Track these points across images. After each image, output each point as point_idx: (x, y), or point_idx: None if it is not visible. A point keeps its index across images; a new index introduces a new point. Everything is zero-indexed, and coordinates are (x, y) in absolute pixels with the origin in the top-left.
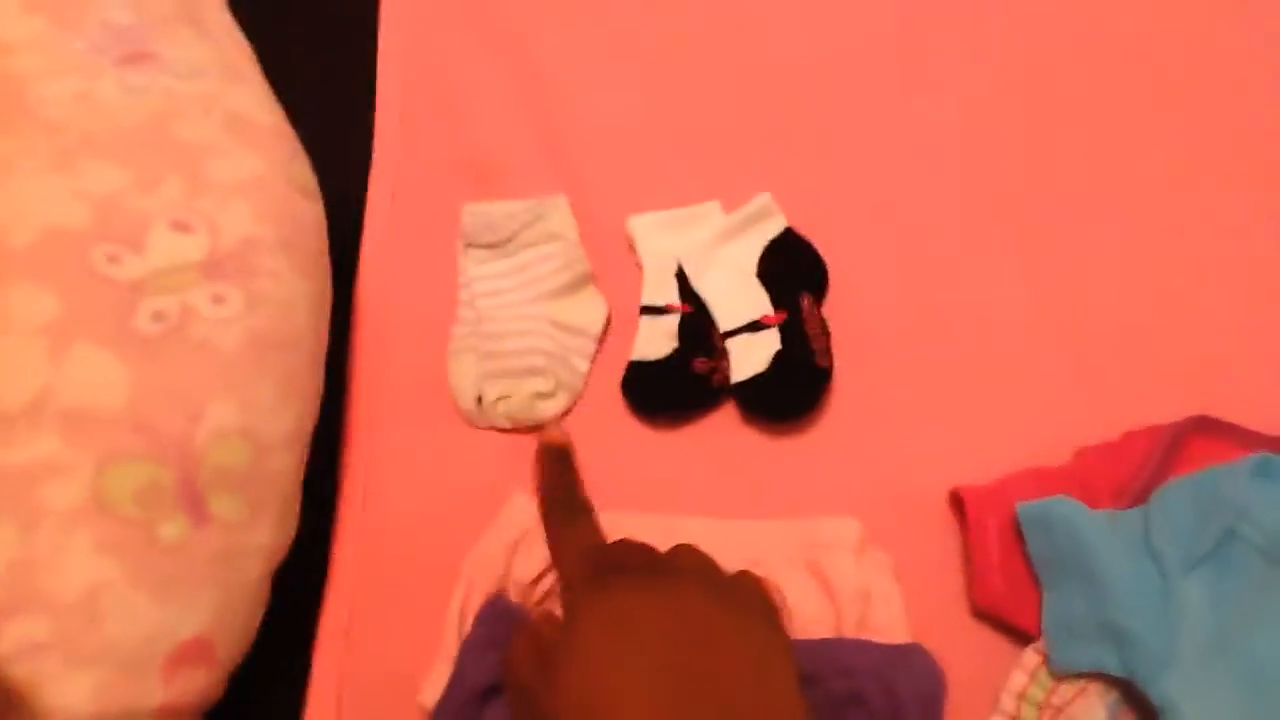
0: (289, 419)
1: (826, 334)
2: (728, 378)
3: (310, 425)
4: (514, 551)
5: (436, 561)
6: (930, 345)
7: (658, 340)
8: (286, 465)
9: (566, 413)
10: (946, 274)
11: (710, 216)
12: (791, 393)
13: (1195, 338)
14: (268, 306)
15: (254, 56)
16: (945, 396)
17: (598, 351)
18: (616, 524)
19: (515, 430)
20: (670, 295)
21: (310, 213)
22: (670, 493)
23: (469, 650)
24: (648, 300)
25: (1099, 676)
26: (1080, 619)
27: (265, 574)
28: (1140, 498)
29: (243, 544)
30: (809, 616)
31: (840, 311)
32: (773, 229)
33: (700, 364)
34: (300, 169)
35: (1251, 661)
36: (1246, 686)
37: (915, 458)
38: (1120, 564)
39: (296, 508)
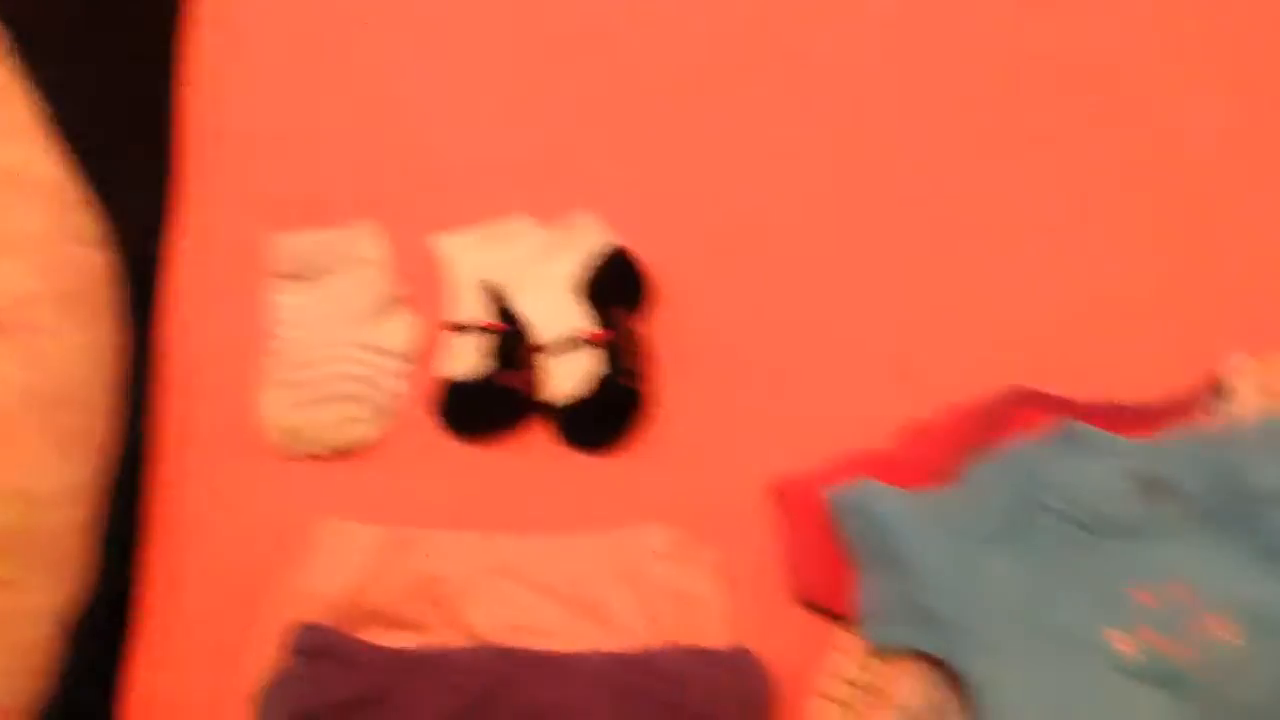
0: (68, 474)
1: (644, 353)
2: (538, 391)
3: (95, 477)
4: (329, 576)
5: (252, 592)
6: (751, 351)
7: (467, 357)
8: (67, 521)
9: (381, 435)
10: (769, 282)
11: (524, 234)
12: (610, 422)
13: (1006, 315)
14: (45, 363)
15: (35, 107)
16: (768, 397)
17: (411, 372)
18: (437, 542)
19: (328, 457)
20: (480, 312)
21: (95, 263)
22: (489, 510)
23: (273, 688)
24: (455, 317)
25: (918, 654)
26: (892, 600)
27: (47, 633)
28: (959, 474)
29: (15, 606)
30: (628, 625)
31: (665, 324)
32: (594, 245)
33: (509, 378)
34: (81, 220)
35: (1062, 629)
36: (1059, 653)
37: (739, 460)
38: (927, 545)
39: (82, 562)
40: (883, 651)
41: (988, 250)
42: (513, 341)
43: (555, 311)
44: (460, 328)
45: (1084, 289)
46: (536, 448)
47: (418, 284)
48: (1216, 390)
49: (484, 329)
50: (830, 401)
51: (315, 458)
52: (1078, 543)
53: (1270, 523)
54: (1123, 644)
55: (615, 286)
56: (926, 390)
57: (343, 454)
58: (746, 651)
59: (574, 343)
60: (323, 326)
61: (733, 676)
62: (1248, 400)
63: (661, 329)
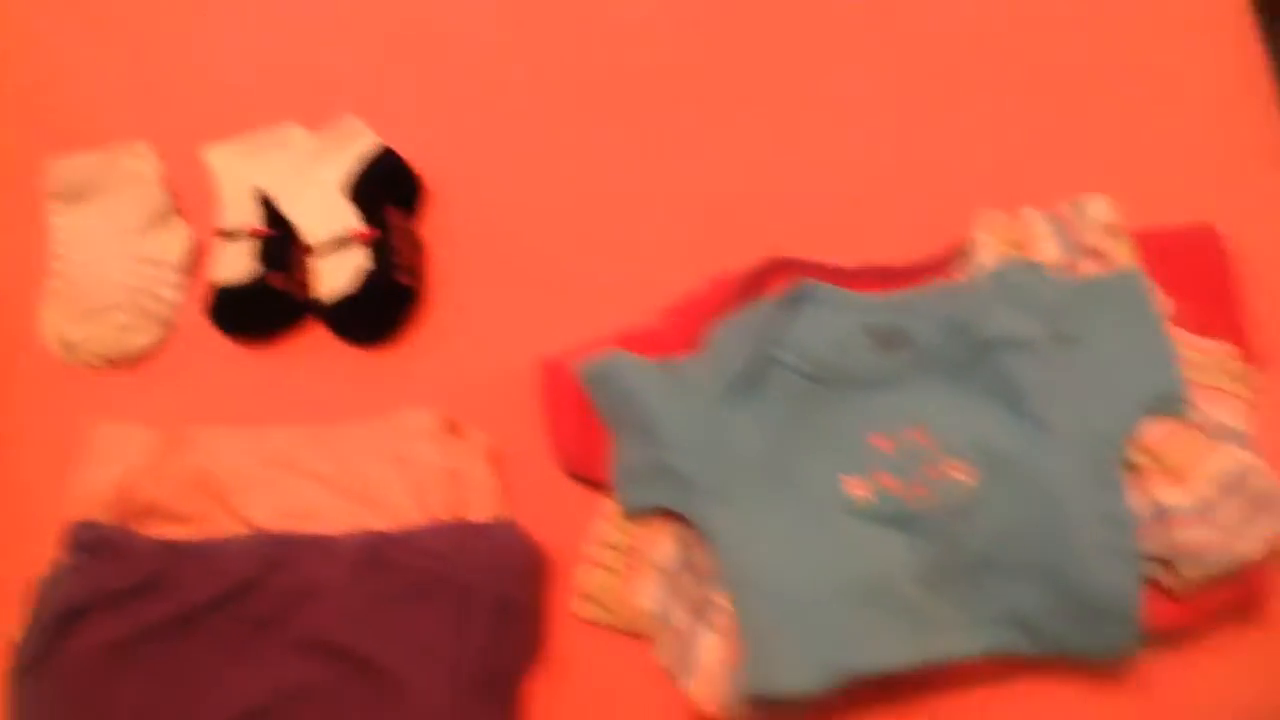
0: None
1: (416, 248)
2: (311, 292)
3: None
4: (105, 476)
5: (39, 500)
6: (522, 241)
7: (236, 262)
8: None
9: (162, 342)
10: (536, 174)
11: (293, 140)
12: (379, 315)
13: (766, 188)
14: None
15: None
16: (539, 285)
17: (188, 281)
18: (212, 438)
19: (109, 368)
20: (249, 218)
21: None
22: (269, 408)
23: (46, 581)
24: (224, 225)
25: (667, 514)
26: (639, 463)
27: None
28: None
29: None
30: (398, 506)
31: (438, 220)
32: (362, 148)
33: (276, 279)
34: None
35: (800, 479)
36: (797, 502)
37: (512, 346)
38: (667, 407)
39: None
40: (635, 514)
41: (749, 124)
42: (282, 245)
43: (324, 214)
44: (229, 234)
45: (846, 159)
46: (313, 346)
47: (192, 196)
48: (968, 247)
49: (252, 234)
50: (600, 286)
51: (97, 369)
52: (814, 396)
53: (1001, 367)
54: (858, 489)
55: (383, 186)
56: (692, 267)
57: (123, 363)
58: (511, 524)
59: (342, 243)
60: (99, 243)
61: (494, 547)
62: (989, 252)
63: (434, 225)
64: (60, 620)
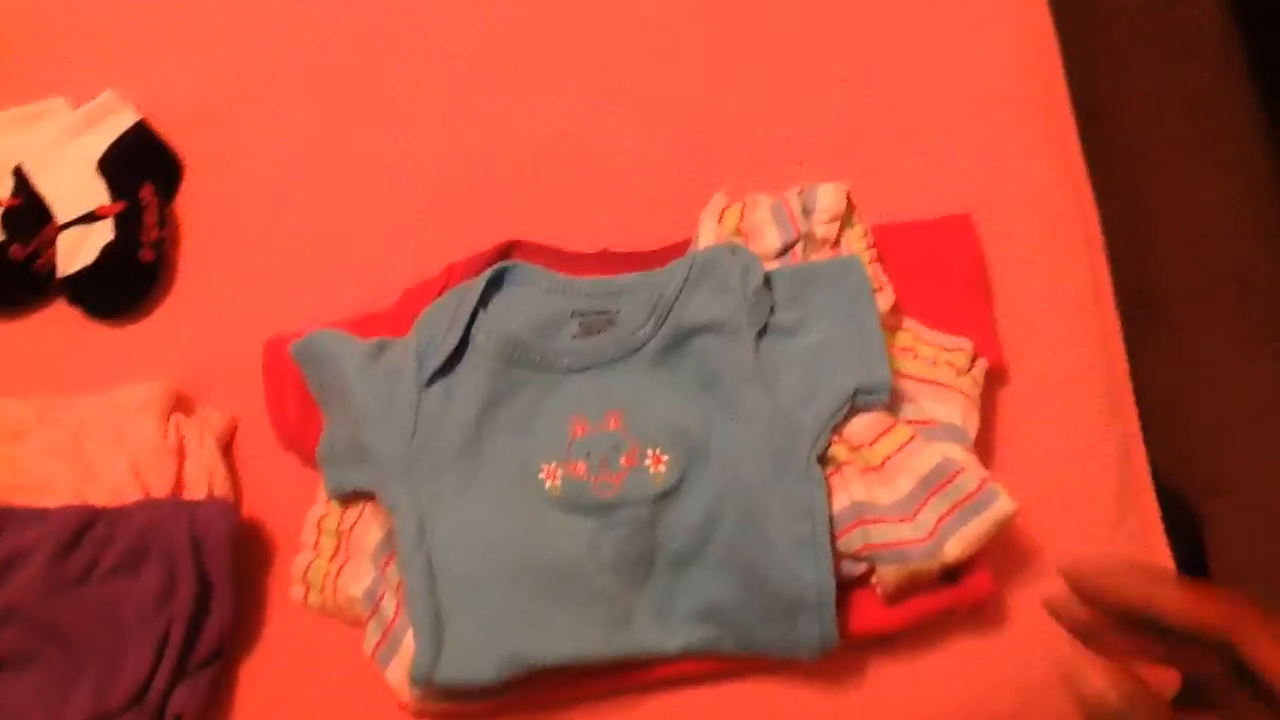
0: None
1: (163, 224)
2: (54, 266)
3: None
4: None
5: None
6: (271, 219)
7: None
8: None
9: None
10: (288, 148)
11: (56, 112)
12: (116, 288)
13: (509, 172)
14: None
15: None
16: (284, 264)
17: None
18: None
19: None
20: (1, 192)
21: None
22: (9, 379)
23: None
24: None
25: (375, 498)
26: (340, 442)
27: None
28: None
29: None
30: (117, 481)
31: (198, 197)
32: (121, 124)
33: (16, 251)
34: None
35: (494, 465)
36: (493, 487)
37: (253, 324)
38: (369, 385)
39: None
40: (337, 496)
41: (495, 108)
42: (29, 217)
43: (76, 189)
44: None
45: (597, 143)
46: (56, 320)
47: None
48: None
49: None
50: (343, 266)
51: None
52: (513, 378)
53: (699, 352)
54: (549, 476)
55: (138, 162)
56: (437, 251)
57: None
58: (222, 502)
59: (90, 217)
60: None
61: (201, 524)
62: (707, 236)
63: (190, 203)
64: None
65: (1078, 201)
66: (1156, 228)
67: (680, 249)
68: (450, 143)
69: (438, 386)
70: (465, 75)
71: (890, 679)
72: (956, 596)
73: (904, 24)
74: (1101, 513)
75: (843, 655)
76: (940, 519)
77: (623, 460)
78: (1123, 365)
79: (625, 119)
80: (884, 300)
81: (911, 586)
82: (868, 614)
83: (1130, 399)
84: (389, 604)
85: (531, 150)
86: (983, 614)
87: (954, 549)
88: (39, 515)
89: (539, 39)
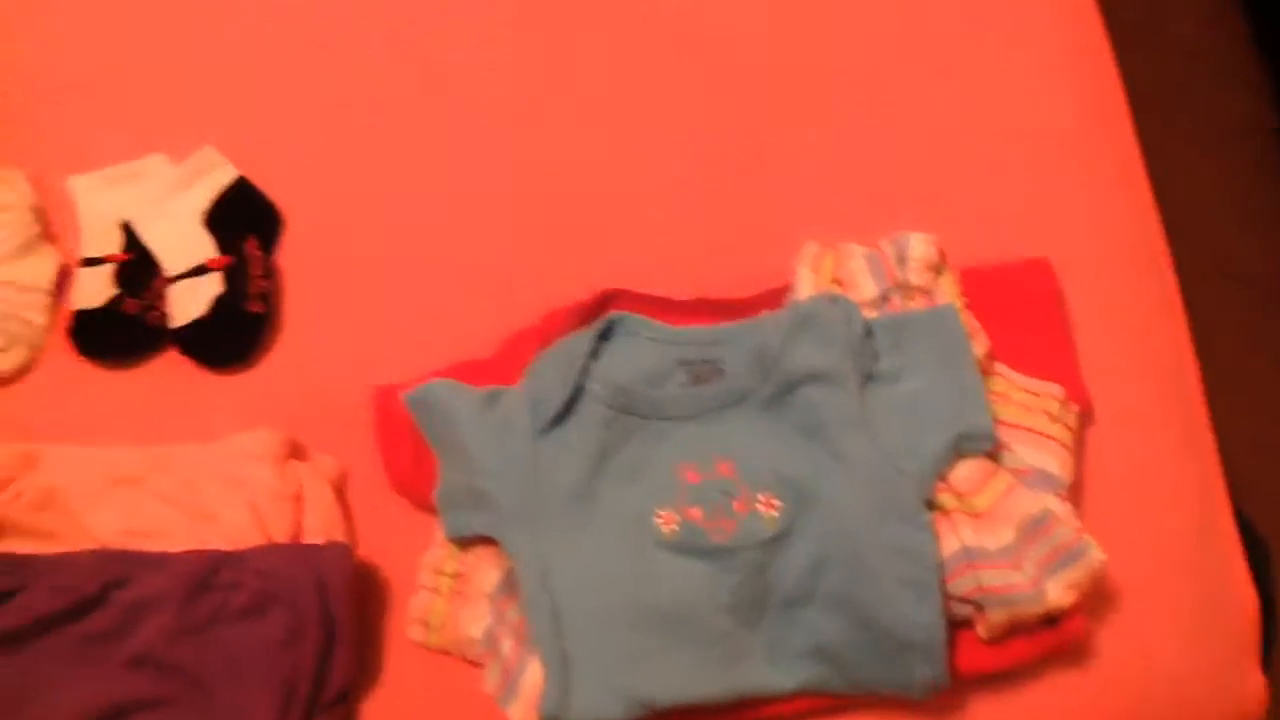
0: None
1: (270, 276)
2: (169, 319)
3: None
4: None
5: None
6: (374, 271)
7: (96, 289)
8: None
9: (28, 364)
10: (390, 204)
11: (157, 170)
12: (227, 339)
13: (602, 224)
14: None
15: None
16: (388, 313)
17: (55, 304)
18: (62, 457)
19: None
20: (110, 246)
21: None
22: (127, 429)
23: None
24: (86, 253)
25: (492, 541)
26: (458, 488)
27: None
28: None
29: None
30: (236, 526)
31: (298, 249)
32: (221, 179)
33: (131, 305)
34: None
35: (609, 511)
36: (606, 531)
37: (359, 372)
38: (484, 433)
39: None
40: (455, 540)
41: (587, 157)
42: (139, 271)
43: (182, 242)
44: (89, 261)
45: (684, 190)
46: (169, 370)
47: (61, 224)
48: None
49: (109, 261)
50: (448, 314)
51: None
52: (625, 427)
53: (805, 400)
54: (665, 521)
55: (240, 216)
56: (535, 300)
57: None
58: (343, 546)
59: (198, 270)
60: None
61: (325, 569)
62: (807, 286)
63: (290, 255)
64: None
65: (1147, 239)
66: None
67: (773, 296)
68: (544, 193)
69: (552, 435)
70: (556, 128)
71: (987, 714)
72: (1055, 639)
73: (970, 68)
74: (1182, 549)
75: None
76: (1040, 566)
77: (735, 506)
78: (1199, 401)
79: (705, 166)
80: (979, 346)
81: (1014, 629)
82: (973, 654)
83: (1209, 435)
84: (506, 645)
85: (623, 199)
86: (1076, 653)
87: (1056, 595)
88: (161, 559)
89: (630, 91)
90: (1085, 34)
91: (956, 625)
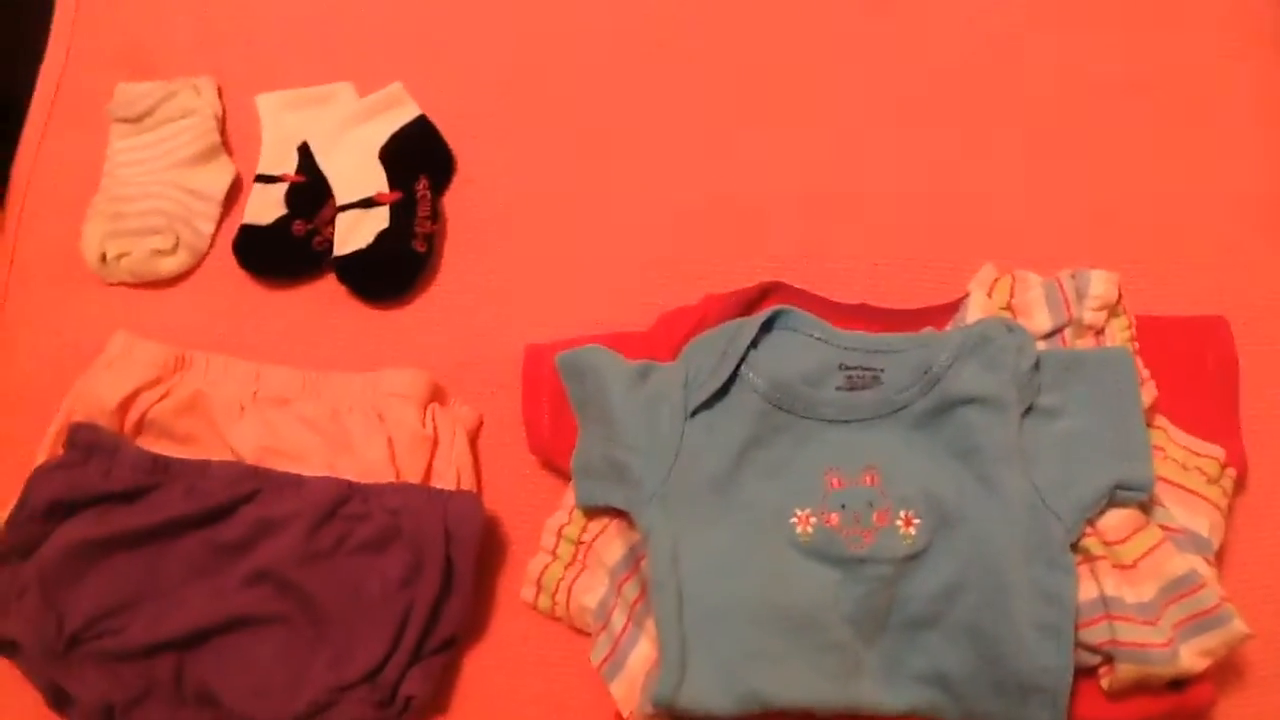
0: None
1: (435, 218)
2: (331, 244)
3: None
4: (113, 384)
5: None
6: (538, 227)
7: (268, 206)
8: None
9: (191, 270)
10: (563, 164)
11: (341, 97)
12: (387, 274)
13: (772, 216)
14: None
15: None
16: (546, 271)
17: (224, 215)
18: (214, 366)
19: (139, 285)
20: (287, 167)
21: None
22: (276, 346)
23: (40, 471)
24: (263, 170)
25: (621, 515)
26: (597, 458)
27: None
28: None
29: None
30: (372, 460)
31: (467, 196)
32: (403, 116)
33: (299, 226)
34: None
35: (748, 503)
36: (743, 522)
37: (510, 325)
38: (633, 407)
39: None
40: (587, 508)
41: (768, 150)
42: (311, 195)
43: (357, 173)
44: (265, 179)
45: (862, 196)
46: (327, 296)
47: (245, 136)
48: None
49: (283, 180)
50: (602, 283)
51: (128, 285)
52: (777, 421)
53: (964, 423)
54: (802, 523)
55: (416, 155)
56: (697, 280)
57: (153, 284)
58: (472, 495)
59: (367, 202)
60: (147, 168)
61: (452, 515)
62: (979, 310)
63: (459, 200)
64: (45, 512)
65: None
66: None
67: (938, 312)
68: (713, 180)
69: (701, 418)
70: (733, 113)
71: None
72: (1180, 703)
73: (1161, 117)
74: None
75: None
76: (1176, 627)
77: (875, 517)
78: None
79: (886, 174)
80: (1146, 395)
81: (1141, 686)
82: (1093, 704)
83: None
84: (618, 619)
85: (791, 198)
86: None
87: (1190, 660)
88: (295, 481)
89: (822, 92)
90: None
91: (1080, 672)
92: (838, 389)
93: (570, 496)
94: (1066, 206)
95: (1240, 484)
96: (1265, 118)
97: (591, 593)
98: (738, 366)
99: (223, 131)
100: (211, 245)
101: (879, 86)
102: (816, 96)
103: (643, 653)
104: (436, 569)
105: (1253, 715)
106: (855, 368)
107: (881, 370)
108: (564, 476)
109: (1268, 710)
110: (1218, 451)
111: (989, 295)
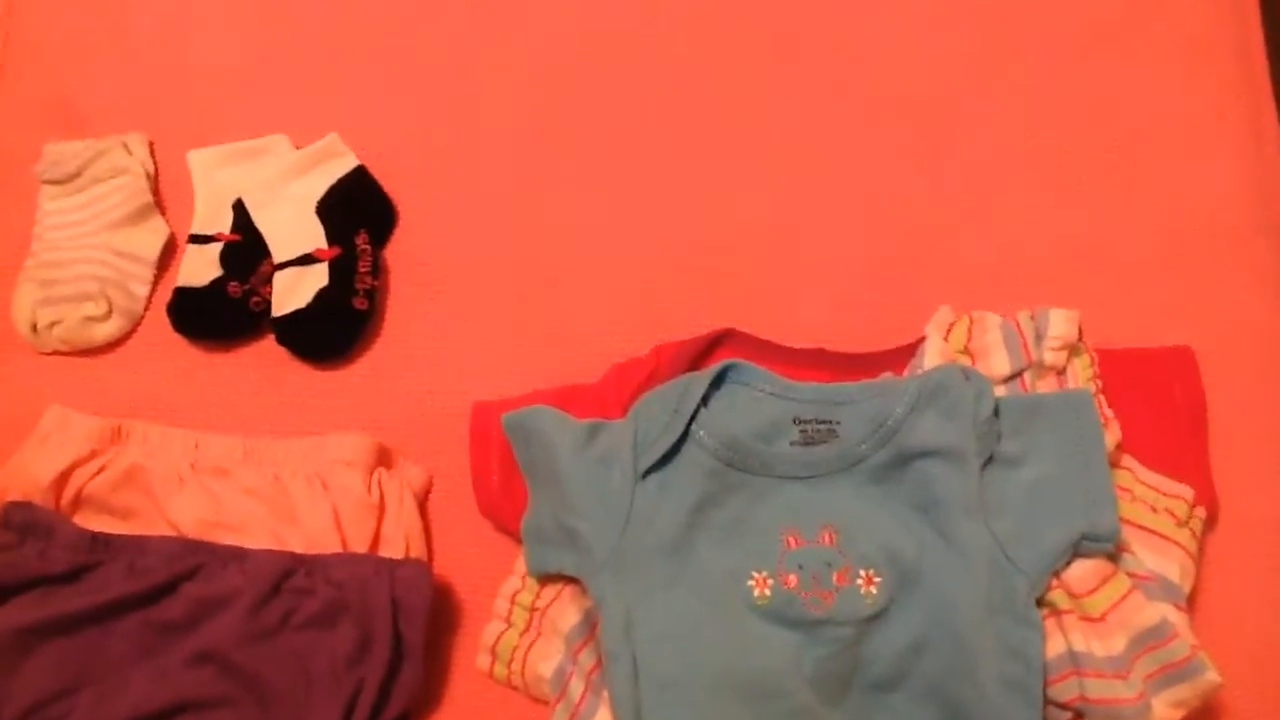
0: None
1: (376, 273)
2: (269, 304)
3: None
4: (47, 460)
5: None
6: (485, 279)
7: (202, 267)
8: None
9: (126, 336)
10: (509, 214)
11: (275, 150)
12: (327, 334)
13: (725, 259)
14: None
15: None
16: (493, 325)
17: (159, 277)
18: (152, 436)
19: (73, 353)
20: (222, 225)
21: None
22: (216, 411)
23: None
24: (196, 229)
25: (575, 581)
26: (548, 522)
27: None
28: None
29: None
30: (318, 529)
31: (410, 247)
32: (341, 167)
33: (234, 288)
34: None
35: (702, 566)
36: (699, 587)
37: (456, 382)
38: (581, 469)
39: None
40: (538, 575)
41: (720, 191)
42: (245, 254)
43: (293, 229)
44: (199, 239)
45: (817, 236)
46: (266, 357)
47: (179, 195)
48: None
49: (217, 239)
50: (551, 332)
51: (62, 353)
52: (730, 480)
53: (923, 476)
54: (760, 585)
55: (355, 208)
56: (647, 329)
57: (87, 351)
58: (420, 564)
59: (305, 259)
60: (78, 230)
61: (401, 586)
62: (933, 353)
63: (401, 253)
64: None
65: None
66: None
67: (896, 355)
68: (664, 224)
69: (653, 480)
70: (682, 156)
71: None
72: None
73: (1128, 145)
74: None
75: None
76: (1148, 679)
77: (835, 578)
78: None
79: (841, 216)
80: (1110, 436)
81: None
82: None
83: None
84: (576, 687)
85: (745, 240)
86: None
87: (1162, 712)
88: (237, 555)
89: (774, 129)
90: (1260, 125)
91: None
92: (792, 444)
93: (521, 562)
94: (1028, 242)
95: (1211, 520)
96: (1228, 148)
97: (547, 660)
98: (689, 425)
99: (155, 189)
100: (146, 309)
101: (832, 127)
102: (768, 139)
103: None
104: (385, 643)
105: None
106: (810, 421)
107: (837, 423)
108: (517, 539)
109: None
110: (1186, 492)
111: (945, 339)
